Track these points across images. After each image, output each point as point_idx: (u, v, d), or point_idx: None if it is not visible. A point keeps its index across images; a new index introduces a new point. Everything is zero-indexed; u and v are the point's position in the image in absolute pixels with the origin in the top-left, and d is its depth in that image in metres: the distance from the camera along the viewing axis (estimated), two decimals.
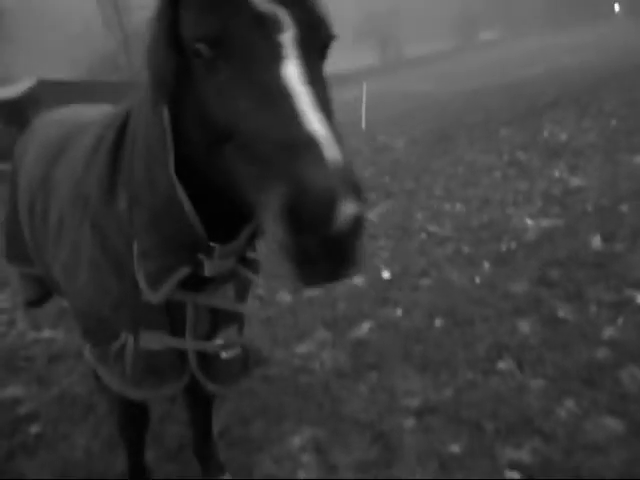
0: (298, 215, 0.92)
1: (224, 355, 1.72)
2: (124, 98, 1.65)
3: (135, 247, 1.45)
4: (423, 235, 5.33)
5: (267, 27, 1.06)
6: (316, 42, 1.13)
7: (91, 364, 1.79)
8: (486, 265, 4.35)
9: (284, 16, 1.07)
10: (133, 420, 2.10)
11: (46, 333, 4.44)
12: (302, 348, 3.51)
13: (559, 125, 9.45)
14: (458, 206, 6.11)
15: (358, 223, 0.94)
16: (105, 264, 1.54)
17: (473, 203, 6.11)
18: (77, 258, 1.62)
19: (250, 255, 1.58)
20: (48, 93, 16.82)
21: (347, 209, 0.91)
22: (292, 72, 1.03)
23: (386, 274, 4.47)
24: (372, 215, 6.34)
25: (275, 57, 1.04)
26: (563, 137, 8.50)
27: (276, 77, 1.03)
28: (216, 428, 2.62)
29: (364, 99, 15.37)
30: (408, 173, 8.24)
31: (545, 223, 5.02)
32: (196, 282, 1.50)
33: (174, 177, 1.24)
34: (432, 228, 5.48)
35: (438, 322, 3.55)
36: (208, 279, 1.49)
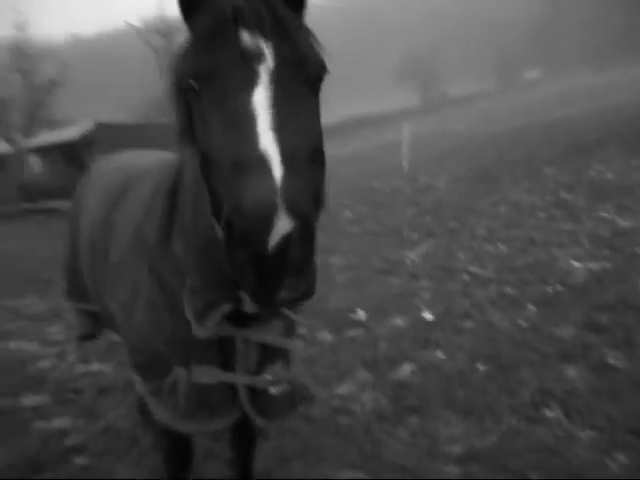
0: (232, 229, 0.97)
1: (272, 390, 1.76)
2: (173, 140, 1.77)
3: (186, 285, 1.54)
4: (465, 276, 5.28)
5: (247, 58, 1.14)
6: (302, 74, 1.18)
7: (143, 397, 1.86)
8: (531, 308, 4.27)
9: (266, 49, 1.14)
10: (178, 455, 2.15)
11: (95, 366, 4.58)
12: (342, 388, 3.51)
13: (605, 164, 9.27)
14: (501, 247, 6.04)
15: (295, 243, 0.96)
16: (161, 303, 1.64)
17: (517, 244, 6.03)
18: (135, 297, 1.73)
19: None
20: (105, 135, 17.84)
21: (280, 228, 0.94)
22: (259, 97, 1.10)
23: (428, 315, 4.44)
24: (413, 255, 6.34)
25: (248, 84, 1.12)
26: (609, 176, 8.33)
27: (244, 102, 1.10)
28: (257, 467, 2.64)
29: (406, 139, 15.51)
30: (450, 213, 8.23)
31: (593, 265, 4.90)
32: (244, 318, 1.57)
33: (212, 217, 1.32)
34: (474, 269, 5.43)
35: (481, 366, 3.49)
36: (255, 316, 1.55)
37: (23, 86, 40.58)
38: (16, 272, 9.45)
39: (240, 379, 1.68)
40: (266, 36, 1.15)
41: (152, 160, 2.30)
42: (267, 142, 1.03)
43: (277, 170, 0.99)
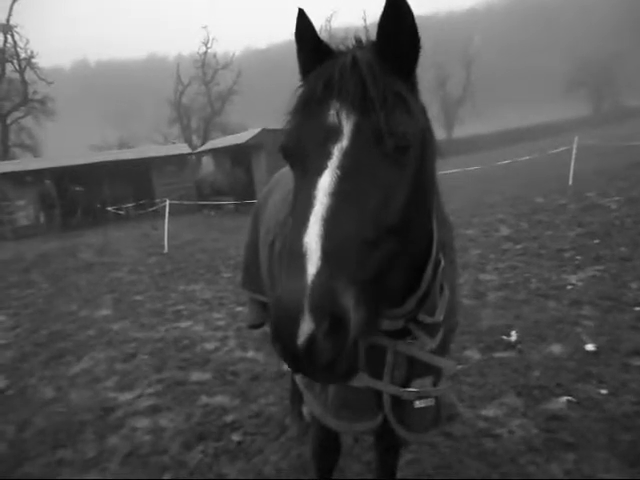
0: (271, 321, 1.01)
1: (417, 404, 1.78)
2: None
3: None
4: (638, 308, 4.74)
5: (325, 137, 1.14)
6: (381, 149, 1.14)
7: (298, 389, 2.00)
8: None
9: (345, 126, 1.13)
10: (327, 450, 2.26)
11: (250, 353, 5.00)
12: (489, 411, 3.39)
13: None
14: None
15: (318, 343, 0.95)
16: None
17: None
18: None
19: (425, 319, 1.62)
20: (268, 139, 19.24)
21: (305, 328, 0.94)
22: (323, 183, 1.09)
23: (590, 346, 4.08)
24: (576, 279, 5.85)
25: (319, 167, 1.12)
26: None
27: (312, 187, 1.10)
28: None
29: (574, 153, 14.33)
30: (622, 237, 7.41)
31: None
32: (397, 331, 1.61)
33: None
34: None
35: None
36: (408, 330, 1.61)
37: (204, 95, 45.59)
38: (191, 261, 10.64)
39: (386, 387, 1.72)
40: (348, 112, 1.15)
41: None
42: (312, 235, 1.03)
43: (312, 267, 0.99)
